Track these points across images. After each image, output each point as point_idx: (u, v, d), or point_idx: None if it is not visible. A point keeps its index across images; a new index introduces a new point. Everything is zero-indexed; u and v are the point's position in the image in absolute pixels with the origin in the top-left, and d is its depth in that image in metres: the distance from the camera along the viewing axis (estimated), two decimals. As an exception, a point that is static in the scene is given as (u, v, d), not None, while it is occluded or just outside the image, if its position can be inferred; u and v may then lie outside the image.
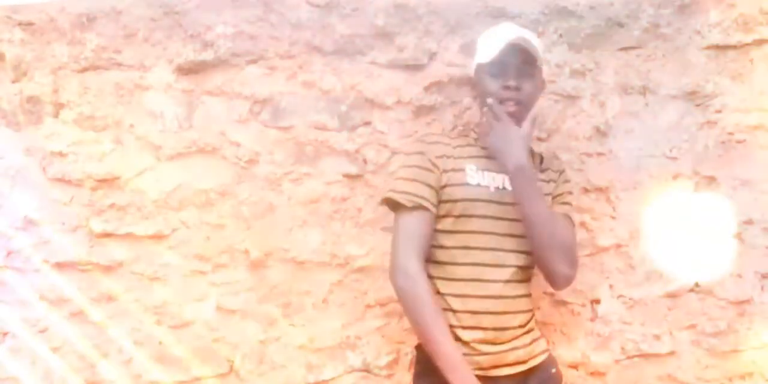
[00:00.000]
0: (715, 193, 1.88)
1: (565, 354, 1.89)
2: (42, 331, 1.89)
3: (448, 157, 1.52)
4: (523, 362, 1.50)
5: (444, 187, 1.49)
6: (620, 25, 1.87)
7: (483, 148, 1.55)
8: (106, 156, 1.87)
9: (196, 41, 1.85)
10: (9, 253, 1.88)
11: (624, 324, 1.89)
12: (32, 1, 1.87)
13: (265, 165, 1.87)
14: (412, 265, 1.42)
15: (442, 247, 1.50)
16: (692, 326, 1.89)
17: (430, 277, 1.49)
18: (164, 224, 1.87)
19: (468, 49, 1.86)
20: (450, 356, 1.39)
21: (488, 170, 1.52)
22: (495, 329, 1.47)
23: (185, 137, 1.87)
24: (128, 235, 1.88)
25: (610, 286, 1.89)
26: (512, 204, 1.50)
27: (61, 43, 1.86)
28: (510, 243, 1.50)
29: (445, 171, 1.50)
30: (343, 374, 1.88)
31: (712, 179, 1.88)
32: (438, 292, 1.49)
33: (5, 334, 1.89)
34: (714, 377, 1.89)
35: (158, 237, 1.87)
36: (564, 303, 1.89)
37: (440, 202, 1.48)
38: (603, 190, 1.88)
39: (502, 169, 1.51)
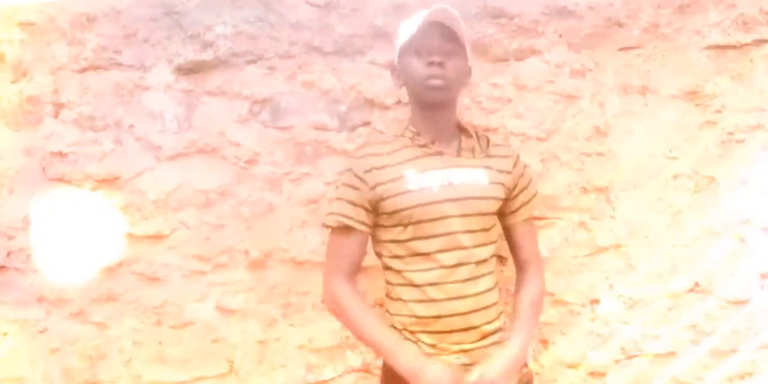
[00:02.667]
0: (715, 193, 1.88)
1: (565, 354, 1.89)
2: (42, 332, 1.89)
3: (382, 167, 1.46)
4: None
5: (384, 199, 1.44)
6: (620, 25, 1.87)
7: (421, 145, 1.48)
8: (106, 156, 1.87)
9: (196, 41, 1.86)
10: (9, 253, 1.88)
11: (624, 324, 1.89)
12: (32, 1, 1.87)
13: (265, 165, 1.87)
14: (337, 285, 1.49)
15: (397, 256, 1.48)
16: (692, 326, 1.89)
17: (390, 284, 1.51)
18: (164, 224, 1.87)
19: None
20: (388, 343, 1.43)
21: (429, 170, 1.46)
22: (461, 330, 1.46)
23: (185, 137, 1.87)
24: (128, 236, 1.87)
25: (610, 286, 1.89)
26: (461, 199, 1.44)
27: (61, 43, 1.86)
28: (466, 239, 1.45)
29: (379, 184, 1.45)
30: (343, 374, 1.88)
31: (712, 179, 1.88)
32: (400, 299, 1.49)
33: (5, 334, 1.89)
34: (714, 377, 1.89)
35: (158, 237, 1.87)
36: (564, 303, 1.89)
37: (385, 213, 1.45)
38: (603, 190, 1.88)
39: (443, 164, 1.46)
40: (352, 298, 1.47)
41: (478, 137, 1.54)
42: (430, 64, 1.42)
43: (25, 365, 1.89)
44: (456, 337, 1.46)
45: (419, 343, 1.47)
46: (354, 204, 1.47)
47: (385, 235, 1.49)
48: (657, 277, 1.88)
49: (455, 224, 1.44)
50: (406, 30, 1.47)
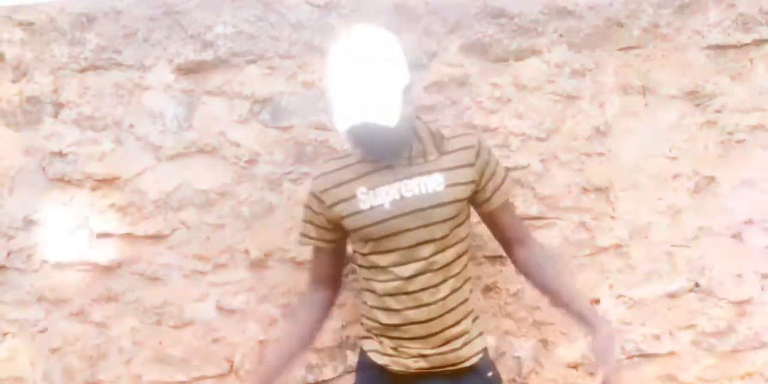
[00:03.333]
0: (715, 193, 1.88)
1: (565, 354, 1.89)
2: (42, 332, 1.89)
3: (337, 185, 1.47)
4: (453, 365, 1.48)
5: (342, 218, 1.47)
6: (620, 25, 1.87)
7: (370, 161, 1.46)
8: (106, 156, 1.87)
9: (196, 41, 1.85)
10: (9, 253, 1.88)
11: (624, 324, 1.89)
12: (32, 1, 1.87)
13: (265, 165, 1.87)
14: (301, 295, 1.69)
15: (363, 266, 1.51)
16: (692, 326, 1.89)
17: (361, 287, 1.56)
18: (164, 224, 1.87)
19: (468, 49, 1.87)
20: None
21: (380, 186, 1.44)
22: (421, 337, 1.45)
23: (185, 137, 1.87)
24: (128, 236, 1.87)
25: (610, 286, 1.89)
26: (414, 211, 1.42)
27: (61, 43, 1.86)
28: (422, 251, 1.43)
29: (336, 203, 1.47)
30: (343, 374, 1.88)
31: (712, 179, 1.88)
32: (366, 303, 1.53)
33: (5, 334, 1.89)
34: (714, 377, 1.89)
35: (158, 237, 1.87)
36: (564, 303, 1.89)
37: (349, 231, 1.49)
38: (603, 190, 1.88)
39: (394, 178, 1.43)
40: (291, 319, 1.68)
41: (432, 136, 1.48)
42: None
43: (25, 365, 1.89)
44: (416, 343, 1.46)
45: (382, 345, 1.50)
46: (315, 225, 1.53)
47: (354, 246, 1.54)
48: (657, 277, 1.88)
49: (412, 237, 1.43)
50: (330, 76, 1.41)
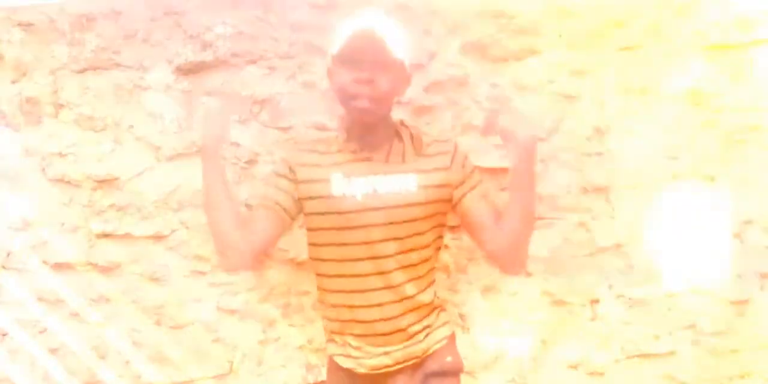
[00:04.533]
0: (715, 193, 1.88)
1: (565, 354, 1.89)
2: (41, 332, 1.89)
3: (313, 165, 1.45)
4: (416, 357, 1.47)
5: (307, 199, 1.43)
6: (620, 25, 1.87)
7: (350, 151, 1.45)
8: (106, 156, 1.87)
9: (195, 41, 1.85)
10: (8, 254, 1.88)
11: (624, 324, 1.89)
12: (32, 2, 1.87)
13: (265, 165, 1.87)
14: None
15: (321, 259, 1.48)
16: (692, 326, 1.89)
17: (323, 290, 1.51)
18: (163, 225, 1.87)
19: (468, 49, 1.87)
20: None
21: (355, 176, 1.42)
22: (383, 334, 1.44)
23: (185, 137, 1.87)
24: (127, 236, 1.87)
25: (610, 286, 1.89)
26: (385, 208, 1.41)
27: (61, 43, 1.86)
28: (388, 248, 1.41)
29: (305, 181, 1.44)
30: (343, 374, 1.88)
31: (712, 179, 1.88)
32: (324, 302, 1.50)
33: (4, 334, 1.89)
34: (714, 377, 1.89)
35: (157, 237, 1.87)
36: (564, 303, 1.89)
37: (306, 214, 1.45)
38: (603, 190, 1.88)
39: (370, 171, 1.42)
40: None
41: (412, 139, 1.48)
42: (358, 81, 1.34)
43: (25, 366, 1.89)
44: (380, 340, 1.45)
45: (345, 347, 1.47)
46: (278, 187, 1.46)
47: (312, 237, 1.48)
48: (657, 277, 1.88)
49: (376, 233, 1.41)
50: (340, 35, 1.38)
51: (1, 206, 1.88)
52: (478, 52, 1.86)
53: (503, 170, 1.86)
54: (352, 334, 1.46)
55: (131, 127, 1.87)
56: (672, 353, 1.89)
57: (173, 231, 1.87)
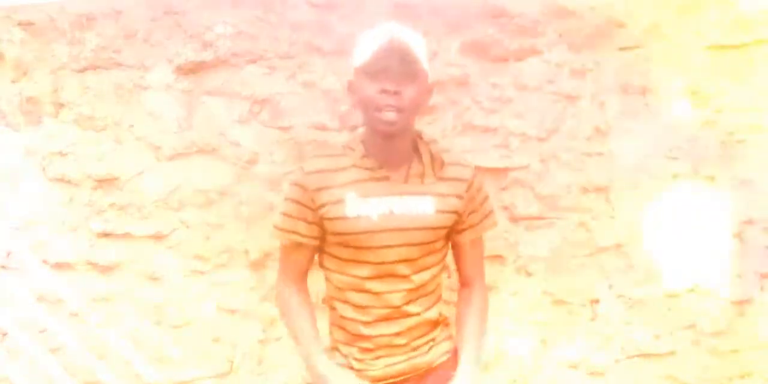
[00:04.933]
0: (715, 193, 1.88)
1: (565, 354, 1.89)
2: (41, 332, 1.89)
3: (328, 187, 1.40)
4: (420, 369, 1.47)
5: (326, 220, 1.40)
6: (620, 25, 1.87)
7: (367, 168, 1.40)
8: (106, 156, 1.87)
9: (196, 41, 1.85)
10: (8, 254, 1.88)
11: (624, 324, 1.89)
12: (32, 1, 1.87)
13: (265, 165, 1.87)
14: (284, 289, 1.51)
15: (333, 271, 1.47)
16: (692, 326, 1.89)
17: (329, 295, 1.50)
18: (164, 224, 1.87)
19: (468, 49, 1.87)
20: (307, 350, 1.44)
21: (372, 196, 1.39)
22: (388, 347, 1.44)
23: (185, 137, 1.87)
24: (127, 236, 1.87)
25: (610, 286, 1.89)
26: (400, 229, 1.39)
27: (61, 43, 1.86)
28: (403, 268, 1.41)
29: (323, 205, 1.40)
30: (343, 374, 1.88)
31: (712, 179, 1.88)
32: (335, 310, 1.49)
33: (4, 334, 1.89)
34: (714, 377, 1.89)
35: (158, 237, 1.87)
36: (564, 303, 1.89)
37: (329, 232, 1.43)
38: (603, 190, 1.88)
39: (388, 191, 1.39)
40: (293, 303, 1.49)
41: (432, 159, 1.44)
42: (385, 92, 1.31)
43: (25, 365, 1.89)
44: (384, 352, 1.45)
45: (347, 358, 1.47)
46: (306, 221, 1.43)
47: (327, 247, 1.47)
48: (657, 277, 1.88)
49: (392, 254, 1.40)
50: (364, 47, 1.36)
51: (1, 206, 1.87)
52: (478, 52, 1.86)
53: (503, 170, 1.87)
54: (358, 347, 1.46)
55: (131, 126, 1.87)
56: (672, 353, 1.89)
57: (173, 230, 1.87)
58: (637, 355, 1.89)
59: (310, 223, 1.43)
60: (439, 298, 1.52)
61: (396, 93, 1.31)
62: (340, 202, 1.39)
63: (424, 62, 1.36)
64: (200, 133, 1.87)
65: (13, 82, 1.88)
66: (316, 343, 1.45)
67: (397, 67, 1.32)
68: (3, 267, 1.88)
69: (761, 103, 1.87)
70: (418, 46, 1.35)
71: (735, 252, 1.88)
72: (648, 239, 1.88)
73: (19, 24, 1.86)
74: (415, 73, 1.34)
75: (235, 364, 1.89)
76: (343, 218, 1.39)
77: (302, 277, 1.53)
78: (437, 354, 1.49)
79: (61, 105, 1.88)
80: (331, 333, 1.52)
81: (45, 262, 1.88)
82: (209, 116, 1.87)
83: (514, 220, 1.88)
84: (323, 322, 1.88)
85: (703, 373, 1.89)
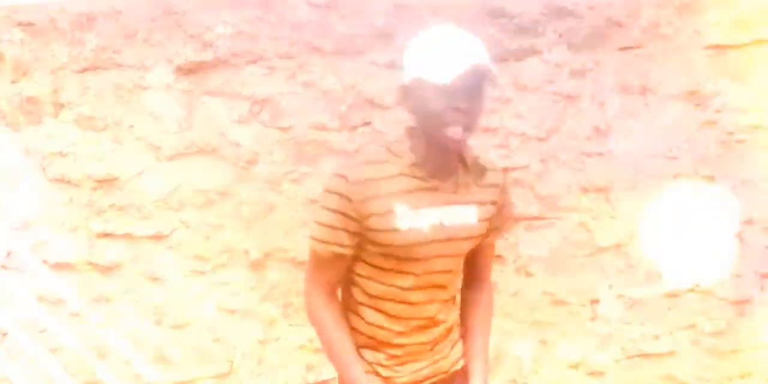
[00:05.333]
0: (715, 193, 1.88)
1: (565, 354, 1.89)
2: (41, 332, 1.89)
3: (375, 197, 1.32)
4: (444, 371, 1.47)
5: (373, 231, 1.33)
6: (620, 25, 1.87)
7: (416, 177, 1.34)
8: (106, 156, 1.87)
9: (196, 41, 1.85)
10: (8, 254, 1.88)
11: (624, 324, 1.89)
12: (32, 1, 1.87)
13: (265, 165, 1.87)
14: (316, 298, 1.43)
15: (370, 278, 1.42)
16: (692, 326, 1.89)
17: (356, 300, 1.45)
18: (164, 224, 1.87)
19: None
20: (342, 361, 1.39)
21: (422, 207, 1.34)
22: (417, 352, 1.44)
23: (185, 137, 1.87)
24: (128, 236, 1.87)
25: (610, 286, 1.89)
26: (449, 240, 1.37)
27: (61, 43, 1.86)
28: (442, 278, 1.40)
29: (370, 216, 1.33)
30: (343, 374, 1.88)
31: (712, 179, 1.88)
32: (363, 319, 1.45)
33: (4, 334, 1.89)
34: (714, 377, 1.89)
35: (158, 237, 1.87)
36: (564, 303, 1.89)
37: (370, 242, 1.36)
38: (603, 190, 1.88)
39: (438, 201, 1.35)
40: (325, 313, 1.42)
41: (477, 166, 1.41)
42: (457, 109, 1.25)
43: (25, 365, 1.89)
44: (410, 358, 1.45)
45: (374, 364, 1.44)
46: (348, 232, 1.35)
47: (364, 256, 1.40)
48: (657, 277, 1.88)
49: (438, 265, 1.38)
50: (435, 60, 1.28)
51: (1, 206, 1.87)
52: (478, 52, 1.86)
53: (503, 170, 1.86)
54: (386, 354, 1.44)
55: (131, 126, 1.87)
56: (672, 353, 1.89)
57: (173, 231, 1.87)
58: (637, 355, 1.89)
59: (352, 233, 1.35)
60: (457, 310, 1.52)
61: (465, 111, 1.26)
62: (389, 213, 1.32)
63: (493, 82, 1.29)
64: (200, 133, 1.87)
65: (13, 82, 1.88)
66: (354, 356, 1.41)
67: (475, 88, 1.27)
68: (3, 267, 1.88)
69: (761, 103, 1.87)
70: (489, 63, 1.28)
71: (735, 252, 1.88)
72: (648, 239, 1.88)
73: (19, 24, 1.86)
74: (485, 93, 1.30)
75: (235, 364, 1.89)
76: (394, 230, 1.33)
77: (335, 287, 1.45)
78: (457, 354, 1.49)
79: (61, 105, 1.88)
80: (352, 337, 1.48)
81: (45, 262, 1.88)
82: (209, 116, 1.87)
83: (514, 220, 1.88)
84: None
85: (703, 373, 1.89)
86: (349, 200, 1.32)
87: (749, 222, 1.88)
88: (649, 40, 1.87)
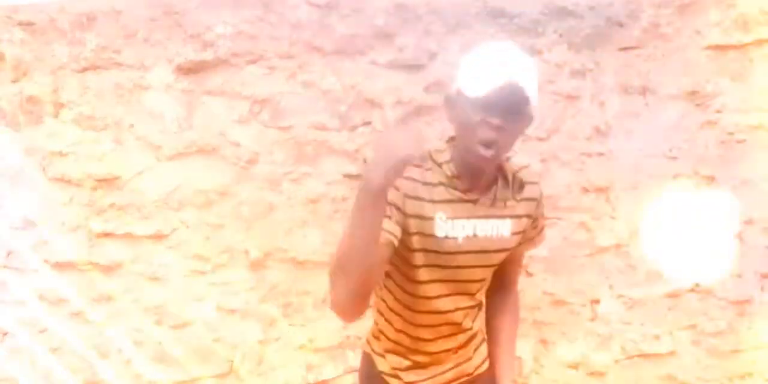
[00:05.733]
0: (715, 193, 1.88)
1: (565, 354, 1.89)
2: (42, 332, 1.89)
3: (419, 199, 1.33)
4: (468, 374, 1.48)
5: (411, 233, 1.33)
6: (620, 25, 1.87)
7: (457, 189, 1.35)
8: (106, 156, 1.87)
9: (196, 41, 1.85)
10: (9, 253, 1.88)
11: (624, 324, 1.89)
12: (32, 1, 1.87)
13: (265, 165, 1.87)
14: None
15: (398, 286, 1.42)
16: (692, 326, 1.89)
17: (391, 310, 1.45)
18: (164, 224, 1.87)
19: (468, 49, 1.86)
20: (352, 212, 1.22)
21: (459, 218, 1.35)
22: (438, 359, 1.45)
23: (185, 137, 1.87)
24: (128, 235, 1.88)
25: (610, 286, 1.89)
26: (481, 251, 1.38)
27: (61, 43, 1.86)
28: (472, 287, 1.42)
29: (412, 216, 1.33)
30: (343, 374, 1.88)
31: (712, 179, 1.88)
32: (389, 323, 1.46)
33: (5, 334, 1.89)
34: (714, 377, 1.89)
35: (158, 237, 1.87)
36: (564, 303, 1.89)
37: (405, 246, 1.35)
38: (603, 190, 1.88)
39: (474, 213, 1.36)
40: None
41: (515, 181, 1.41)
42: (489, 125, 1.25)
43: (26, 365, 1.89)
44: (433, 361, 1.46)
45: (397, 370, 1.46)
46: (397, 222, 1.32)
47: (397, 261, 1.39)
48: (657, 277, 1.88)
49: (465, 274, 1.40)
50: (477, 73, 1.27)
51: (2, 206, 1.88)
52: (478, 52, 1.86)
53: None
54: (411, 360, 1.46)
55: (131, 126, 1.87)
56: (672, 353, 1.89)
57: (174, 230, 1.87)
58: (637, 355, 1.89)
59: (397, 223, 1.32)
60: (480, 315, 1.52)
61: (499, 128, 1.25)
62: (430, 219, 1.34)
63: (535, 99, 1.28)
64: (200, 133, 1.87)
65: (13, 82, 1.88)
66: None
67: (507, 106, 1.25)
68: (3, 267, 1.88)
69: (761, 103, 1.87)
70: (534, 86, 1.27)
71: (735, 252, 1.88)
72: (648, 239, 1.88)
73: (19, 24, 1.86)
74: (524, 111, 1.28)
75: (235, 364, 1.89)
76: (432, 236, 1.34)
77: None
78: (480, 358, 1.50)
79: (61, 105, 1.88)
80: (377, 339, 1.50)
81: (46, 261, 1.88)
82: (209, 116, 1.87)
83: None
84: (325, 324, 1.89)
85: (703, 373, 1.89)
86: (398, 189, 1.32)
87: (749, 222, 1.88)
88: (649, 40, 1.87)
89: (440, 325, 1.42)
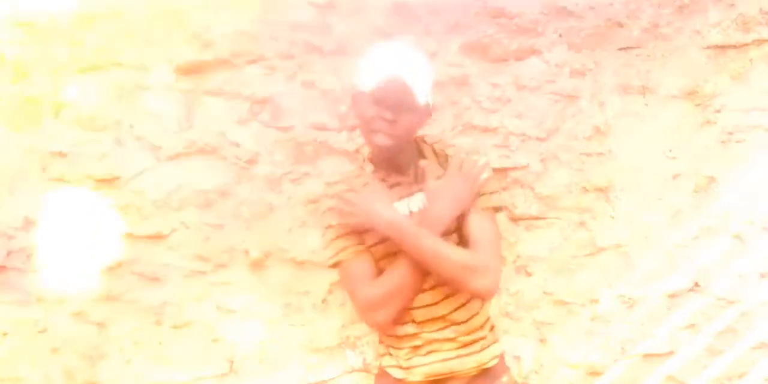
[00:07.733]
0: (715, 193, 1.88)
1: (565, 354, 1.89)
2: (42, 332, 1.88)
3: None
4: (471, 367, 1.49)
5: (364, 232, 1.49)
6: (620, 25, 1.87)
7: (381, 179, 1.51)
8: (106, 156, 1.87)
9: (196, 41, 1.85)
10: (9, 253, 1.88)
11: (624, 324, 1.89)
12: (32, 1, 1.87)
13: (265, 165, 1.87)
14: (372, 297, 1.45)
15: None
16: (692, 326, 1.89)
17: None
18: (164, 224, 1.87)
19: (468, 49, 1.87)
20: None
21: (392, 202, 1.49)
22: (438, 341, 1.47)
23: (185, 137, 1.87)
24: (128, 236, 1.87)
25: (610, 286, 1.89)
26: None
27: (61, 43, 1.86)
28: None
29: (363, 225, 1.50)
30: (343, 374, 1.88)
31: (712, 179, 1.88)
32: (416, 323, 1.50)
33: (5, 334, 1.89)
34: (714, 377, 1.89)
35: (158, 237, 1.87)
36: (564, 303, 1.89)
37: (369, 246, 1.49)
38: (603, 190, 1.88)
39: (403, 194, 1.50)
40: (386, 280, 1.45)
41: (435, 155, 1.55)
42: (381, 118, 1.40)
43: (25, 365, 1.89)
44: (432, 346, 1.48)
45: (399, 358, 1.49)
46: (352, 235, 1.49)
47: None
48: (657, 277, 1.89)
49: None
50: (368, 71, 1.43)
51: (1, 206, 1.87)
52: (478, 52, 1.86)
53: (503, 170, 1.87)
54: (408, 347, 1.48)
55: (132, 126, 1.87)
56: (671, 353, 1.89)
57: (174, 231, 1.87)
58: (637, 355, 1.89)
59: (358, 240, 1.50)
60: (482, 307, 1.54)
61: (391, 121, 1.40)
62: None
63: (424, 95, 1.43)
64: (200, 133, 1.87)
65: (13, 82, 1.88)
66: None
67: (397, 100, 1.39)
68: (3, 267, 1.88)
69: (761, 103, 1.87)
70: (421, 79, 1.42)
71: (735, 252, 1.88)
72: (648, 239, 1.88)
73: (20, 24, 1.86)
74: (413, 105, 1.42)
75: (235, 364, 1.89)
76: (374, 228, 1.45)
77: None
78: (487, 356, 1.51)
79: (61, 105, 1.88)
80: (381, 341, 1.56)
81: (45, 262, 1.88)
82: (209, 116, 1.87)
83: (514, 220, 1.88)
84: (325, 324, 1.89)
85: (702, 373, 1.89)
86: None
87: (749, 222, 1.88)
88: (649, 40, 1.87)
89: (435, 318, 1.48)
